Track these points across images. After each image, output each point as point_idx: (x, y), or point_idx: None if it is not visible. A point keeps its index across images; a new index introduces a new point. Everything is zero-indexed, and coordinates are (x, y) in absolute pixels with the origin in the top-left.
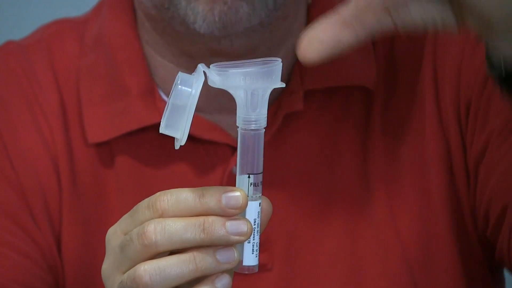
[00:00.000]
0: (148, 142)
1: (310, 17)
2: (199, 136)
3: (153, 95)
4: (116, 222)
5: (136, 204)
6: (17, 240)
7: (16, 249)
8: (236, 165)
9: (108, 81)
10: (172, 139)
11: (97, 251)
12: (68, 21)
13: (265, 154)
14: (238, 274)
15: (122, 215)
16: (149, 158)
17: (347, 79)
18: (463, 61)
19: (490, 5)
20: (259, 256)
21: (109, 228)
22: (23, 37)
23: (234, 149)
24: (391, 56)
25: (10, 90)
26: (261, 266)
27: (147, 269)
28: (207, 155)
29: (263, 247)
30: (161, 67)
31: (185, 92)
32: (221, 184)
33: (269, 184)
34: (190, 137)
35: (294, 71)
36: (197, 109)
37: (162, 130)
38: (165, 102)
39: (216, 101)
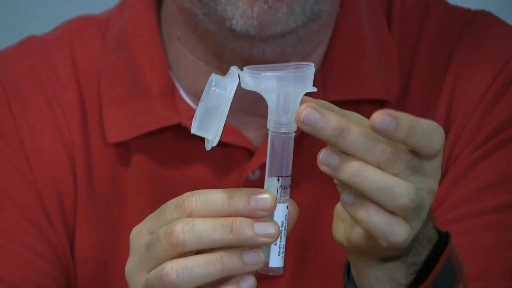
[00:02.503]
0: (165, 143)
1: (337, 27)
2: None
3: (173, 95)
4: (132, 221)
5: (152, 204)
6: (30, 238)
7: (28, 247)
8: (252, 171)
9: (128, 81)
10: (190, 140)
11: (111, 250)
12: (91, 18)
13: None
14: None
15: (138, 215)
16: (166, 158)
17: (369, 93)
18: (473, 116)
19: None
20: None
21: (124, 227)
22: (23, 37)
23: (251, 153)
24: (408, 75)
25: (29, 85)
26: None
27: (174, 267)
28: (224, 158)
29: None
30: (191, 65)
31: (219, 94)
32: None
33: None
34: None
35: (316, 80)
36: None
37: (194, 131)
38: (185, 103)
39: (240, 102)
